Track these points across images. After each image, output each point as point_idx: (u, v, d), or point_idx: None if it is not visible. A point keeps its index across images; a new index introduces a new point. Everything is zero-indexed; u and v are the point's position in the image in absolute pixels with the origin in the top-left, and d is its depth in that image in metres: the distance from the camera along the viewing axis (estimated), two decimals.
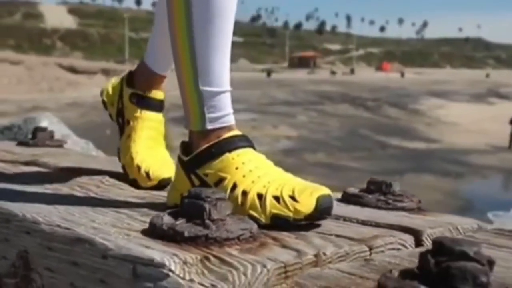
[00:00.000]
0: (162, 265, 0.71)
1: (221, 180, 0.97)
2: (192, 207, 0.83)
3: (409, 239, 0.90)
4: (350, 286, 0.66)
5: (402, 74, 75.72)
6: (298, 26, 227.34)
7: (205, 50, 1.02)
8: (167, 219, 0.83)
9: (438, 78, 69.85)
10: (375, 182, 1.14)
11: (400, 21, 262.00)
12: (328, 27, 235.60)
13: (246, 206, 0.93)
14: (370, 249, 0.84)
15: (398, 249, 0.87)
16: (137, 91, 1.40)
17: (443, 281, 0.58)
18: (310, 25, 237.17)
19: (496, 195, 17.40)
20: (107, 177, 1.39)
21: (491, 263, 0.60)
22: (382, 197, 1.11)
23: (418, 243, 0.91)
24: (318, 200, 0.90)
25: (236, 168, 0.97)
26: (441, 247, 0.60)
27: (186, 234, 0.79)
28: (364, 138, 24.83)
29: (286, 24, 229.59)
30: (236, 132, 1.03)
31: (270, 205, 0.91)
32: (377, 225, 0.96)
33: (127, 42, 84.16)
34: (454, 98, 41.50)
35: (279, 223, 0.90)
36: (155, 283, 0.70)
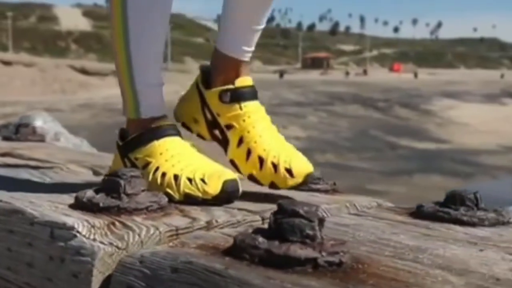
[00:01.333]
0: (72, 228, 0.85)
1: (147, 164, 1.12)
2: (110, 183, 0.98)
3: None
4: (221, 243, 0.81)
5: (415, 75, 75.51)
6: (311, 27, 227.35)
7: (140, 44, 1.14)
8: (89, 193, 0.98)
9: (452, 78, 69.56)
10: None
11: (414, 21, 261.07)
12: (341, 28, 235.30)
13: (164, 185, 1.07)
14: (263, 219, 0.98)
15: None
16: (224, 87, 1.20)
17: (278, 234, 0.73)
18: (323, 26, 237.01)
19: (505, 195, 17.42)
20: (69, 165, 1.55)
21: (321, 220, 0.74)
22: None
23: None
24: (224, 183, 1.04)
25: (160, 154, 1.11)
26: (280, 208, 0.74)
27: (101, 205, 0.94)
28: (374, 138, 24.90)
29: (299, 25, 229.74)
30: (165, 121, 1.17)
31: (184, 185, 1.05)
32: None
33: None
34: (467, 98, 41.35)
35: (190, 201, 1.04)
36: (66, 242, 0.85)
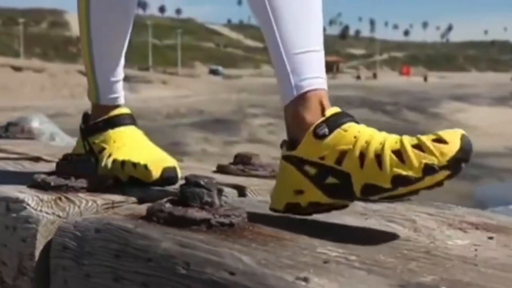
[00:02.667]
0: (23, 201, 1.01)
1: (102, 149, 1.27)
2: (64, 167, 1.14)
3: (232, 192, 1.19)
4: (143, 213, 0.96)
5: (425, 78, 75.40)
6: None
7: (100, 43, 1.31)
8: (44, 175, 1.14)
9: (462, 81, 69.44)
10: (239, 155, 1.44)
11: (425, 24, 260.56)
12: (351, 32, 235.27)
13: (113, 169, 1.23)
14: None
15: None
16: (314, 124, 0.94)
17: (183, 201, 0.88)
18: (333, 30, 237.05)
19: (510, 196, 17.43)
20: (47, 157, 1.71)
21: (220, 190, 0.90)
22: (241, 167, 1.41)
23: (243, 195, 1.21)
24: (163, 170, 1.19)
25: (114, 142, 1.27)
26: (186, 180, 0.90)
27: (52, 184, 1.10)
28: None
29: None
30: (121, 111, 1.33)
31: (128, 169, 1.21)
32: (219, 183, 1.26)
33: (151, 49, 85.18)
34: (476, 101, 41.29)
35: (134, 181, 1.20)
36: (18, 213, 1.01)
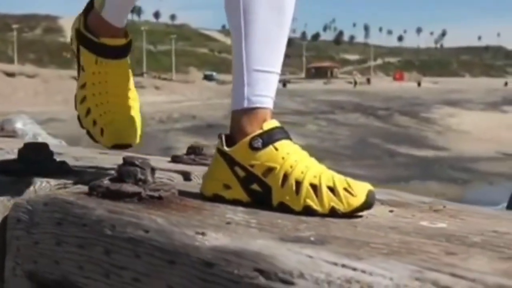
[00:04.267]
0: None
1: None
2: (25, 153, 1.28)
3: (177, 176, 1.33)
4: (85, 190, 1.09)
5: (419, 83, 75.77)
6: (315, 36, 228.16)
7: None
8: (9, 162, 1.28)
9: (455, 87, 69.86)
10: (191, 147, 1.58)
11: (419, 30, 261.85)
12: (345, 37, 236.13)
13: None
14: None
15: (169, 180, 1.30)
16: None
17: (120, 178, 1.02)
18: (327, 36, 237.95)
19: (500, 200, 17.64)
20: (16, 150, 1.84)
21: (153, 169, 1.04)
22: (193, 157, 1.54)
23: (188, 179, 1.34)
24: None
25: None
26: (124, 160, 1.03)
27: (12, 168, 1.24)
28: (373, 146, 25.17)
29: (303, 35, 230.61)
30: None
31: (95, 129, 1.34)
32: (168, 170, 1.39)
33: (145, 55, 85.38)
34: (468, 106, 41.57)
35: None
36: None
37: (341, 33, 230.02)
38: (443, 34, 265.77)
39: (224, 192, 1.06)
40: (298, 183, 0.99)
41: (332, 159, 21.50)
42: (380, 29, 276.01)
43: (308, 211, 0.96)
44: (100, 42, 1.30)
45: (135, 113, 1.37)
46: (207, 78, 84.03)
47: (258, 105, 1.08)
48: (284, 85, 61.76)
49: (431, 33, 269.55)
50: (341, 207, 0.96)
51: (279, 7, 1.11)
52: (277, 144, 1.04)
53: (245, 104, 1.08)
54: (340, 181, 0.98)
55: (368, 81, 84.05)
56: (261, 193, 1.02)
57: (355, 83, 72.28)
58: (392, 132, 28.52)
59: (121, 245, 0.84)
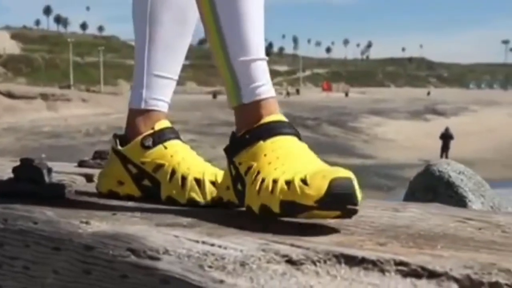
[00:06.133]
0: None
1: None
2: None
3: (80, 178, 1.40)
4: None
5: (346, 94, 77.46)
6: None
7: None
8: None
9: (381, 97, 71.85)
10: (98, 152, 1.65)
11: (346, 42, 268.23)
12: (275, 49, 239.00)
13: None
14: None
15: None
16: (144, 134, 1.15)
17: (17, 178, 1.08)
18: None
19: None
20: None
21: (49, 170, 1.11)
22: (98, 161, 1.61)
23: (91, 181, 1.41)
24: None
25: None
26: (21, 162, 1.10)
27: None
28: None
29: None
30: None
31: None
32: (72, 173, 1.46)
33: (72, 67, 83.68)
34: (393, 115, 42.84)
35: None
36: None
37: (270, 45, 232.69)
38: (369, 45, 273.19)
39: (118, 188, 1.15)
40: (184, 178, 1.07)
41: None
42: (309, 41, 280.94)
43: (192, 203, 1.06)
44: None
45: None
46: None
47: (154, 108, 1.18)
48: (215, 96, 61.84)
49: (358, 45, 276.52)
50: (221, 199, 1.05)
51: (183, 20, 1.20)
52: (166, 143, 1.13)
53: (142, 105, 1.18)
54: (220, 175, 1.08)
55: (298, 91, 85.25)
56: (152, 188, 1.11)
57: (288, 93, 73.21)
58: (320, 142, 29.07)
59: (12, 237, 0.90)
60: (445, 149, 24.87)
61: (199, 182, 1.07)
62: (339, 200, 0.80)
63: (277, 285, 0.64)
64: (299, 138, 0.97)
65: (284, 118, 0.98)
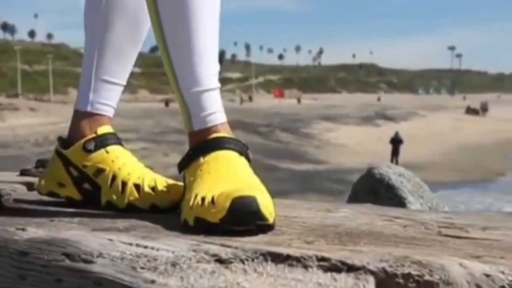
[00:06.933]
0: None
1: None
2: None
3: (21, 187, 1.40)
4: None
5: (299, 100, 78.12)
6: None
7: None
8: None
9: (333, 102, 72.79)
10: (40, 160, 1.65)
11: (297, 48, 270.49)
12: (227, 56, 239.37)
13: None
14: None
15: None
16: (86, 138, 1.16)
17: None
18: None
19: None
20: None
21: (1, 195, 1.11)
22: (41, 170, 1.61)
23: (32, 189, 1.41)
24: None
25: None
26: None
27: None
28: (254, 162, 25.40)
29: None
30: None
31: None
32: (14, 182, 1.46)
33: (20, 75, 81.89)
34: (344, 121, 43.43)
35: None
36: None
37: (223, 52, 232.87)
38: (321, 52, 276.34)
39: (58, 189, 1.16)
40: (124, 184, 1.09)
41: None
42: (261, 48, 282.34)
43: (131, 208, 1.07)
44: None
45: None
46: None
47: (99, 112, 1.19)
48: (167, 104, 61.46)
49: (309, 51, 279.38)
50: (160, 204, 1.07)
51: (136, 27, 1.22)
52: (108, 148, 1.15)
53: (88, 108, 1.19)
54: (160, 181, 1.10)
55: (250, 98, 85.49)
56: (92, 191, 1.12)
57: (242, 100, 73.52)
58: (273, 148, 29.24)
59: None
60: (395, 153, 25.36)
61: (138, 187, 1.09)
62: (241, 218, 0.85)
63: (206, 283, 0.67)
64: (242, 153, 1.03)
65: (229, 135, 1.03)
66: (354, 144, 32.89)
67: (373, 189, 2.15)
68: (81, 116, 1.18)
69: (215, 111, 1.04)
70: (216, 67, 1.07)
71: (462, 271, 0.63)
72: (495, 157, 29.34)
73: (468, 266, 0.64)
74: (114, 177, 1.11)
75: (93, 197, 1.12)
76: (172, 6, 1.01)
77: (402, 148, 25.55)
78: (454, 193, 19.10)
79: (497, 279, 0.63)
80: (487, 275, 0.63)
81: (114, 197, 1.09)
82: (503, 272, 0.63)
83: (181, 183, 1.09)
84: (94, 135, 1.15)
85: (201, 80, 1.03)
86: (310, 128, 38.85)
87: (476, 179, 22.88)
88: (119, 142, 1.18)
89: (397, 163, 23.72)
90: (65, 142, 1.18)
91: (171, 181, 1.11)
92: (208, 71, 1.04)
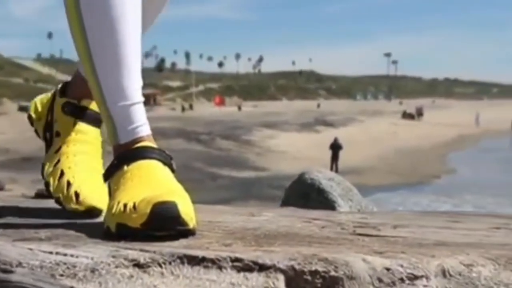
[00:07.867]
0: None
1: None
2: None
3: None
4: None
5: (239, 108, 78.35)
6: None
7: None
8: None
9: (273, 110, 73.34)
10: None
11: (237, 56, 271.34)
12: (167, 64, 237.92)
13: None
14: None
15: None
16: (71, 100, 1.25)
17: None
18: (149, 63, 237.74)
19: None
20: None
21: None
22: None
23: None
24: None
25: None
26: None
27: None
28: (196, 170, 25.55)
29: None
30: None
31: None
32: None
33: None
34: (285, 128, 43.81)
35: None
36: None
37: (162, 60, 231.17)
38: (260, 60, 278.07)
39: (37, 117, 1.31)
40: (69, 184, 1.16)
41: None
42: (201, 56, 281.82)
43: (72, 210, 1.13)
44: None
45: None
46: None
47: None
48: None
49: (249, 59, 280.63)
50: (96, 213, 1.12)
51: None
52: (79, 125, 1.23)
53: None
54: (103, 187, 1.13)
55: (191, 106, 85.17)
56: (49, 143, 1.25)
57: (183, 108, 73.34)
58: (214, 156, 29.23)
59: None
60: (335, 158, 25.76)
61: (77, 195, 1.13)
62: (161, 223, 0.86)
63: (124, 287, 0.69)
64: (165, 163, 1.03)
65: (152, 145, 1.03)
66: (294, 150, 33.22)
67: (304, 194, 2.21)
68: (81, 76, 1.24)
69: (142, 124, 1.04)
70: (140, 80, 1.06)
71: (365, 266, 0.68)
72: (430, 160, 30.25)
73: (371, 261, 0.68)
74: (62, 174, 1.17)
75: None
76: (97, 17, 1.00)
77: (342, 154, 25.98)
78: (391, 196, 19.59)
79: (397, 272, 0.68)
80: (388, 269, 0.68)
81: (61, 195, 1.15)
82: (402, 266, 0.68)
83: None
84: (75, 101, 1.24)
85: (129, 94, 1.03)
86: (251, 135, 39.01)
87: (413, 182, 23.52)
88: (94, 120, 1.23)
89: (337, 168, 24.14)
90: (64, 91, 1.28)
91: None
92: (135, 84, 1.04)
